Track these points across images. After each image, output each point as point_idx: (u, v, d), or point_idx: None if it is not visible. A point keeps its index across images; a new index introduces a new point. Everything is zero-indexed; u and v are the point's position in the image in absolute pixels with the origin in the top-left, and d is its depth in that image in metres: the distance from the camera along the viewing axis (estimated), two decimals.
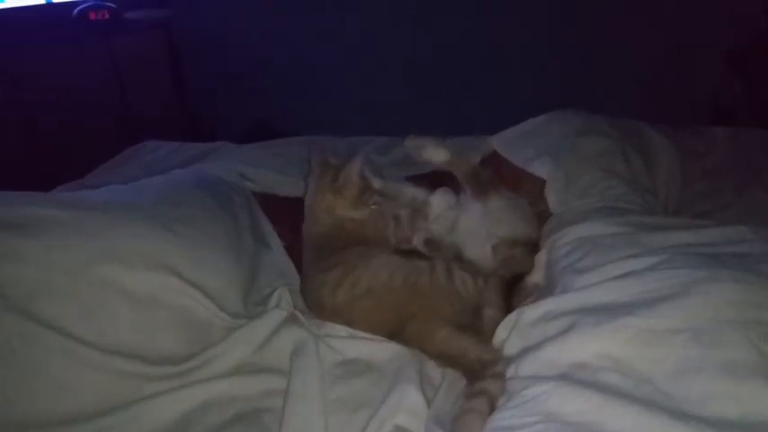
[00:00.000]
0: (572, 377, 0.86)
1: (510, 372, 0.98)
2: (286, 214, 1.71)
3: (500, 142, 1.78)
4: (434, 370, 1.15)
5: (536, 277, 1.30)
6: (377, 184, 1.50)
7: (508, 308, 1.21)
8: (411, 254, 1.36)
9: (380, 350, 1.19)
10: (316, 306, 1.32)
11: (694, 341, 0.83)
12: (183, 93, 3.19)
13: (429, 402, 1.04)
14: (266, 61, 3.19)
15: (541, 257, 1.31)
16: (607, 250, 1.11)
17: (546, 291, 1.22)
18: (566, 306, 1.01)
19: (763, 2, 2.61)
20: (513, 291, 1.27)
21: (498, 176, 1.64)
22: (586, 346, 0.90)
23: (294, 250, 1.57)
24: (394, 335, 1.20)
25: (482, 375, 1.02)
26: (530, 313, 1.07)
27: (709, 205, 1.59)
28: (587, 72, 2.87)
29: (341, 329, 1.24)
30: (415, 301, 1.22)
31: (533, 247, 1.39)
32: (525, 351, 0.99)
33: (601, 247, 1.14)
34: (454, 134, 2.13)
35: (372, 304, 1.23)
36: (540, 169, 1.57)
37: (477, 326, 1.22)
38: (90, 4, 2.76)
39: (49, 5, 2.90)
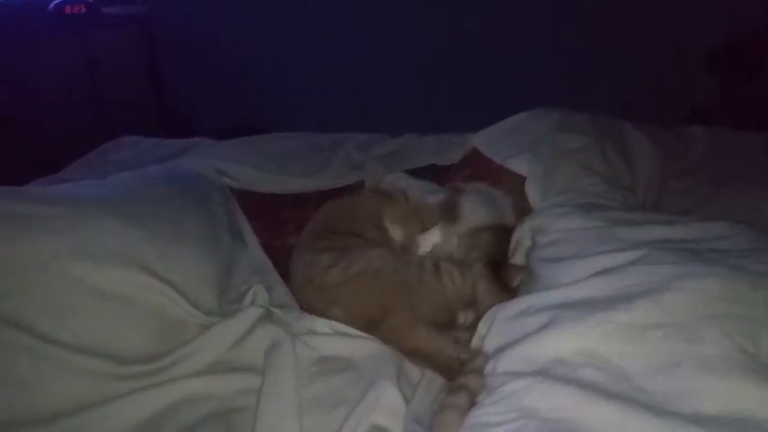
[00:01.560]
0: (550, 373, 0.85)
1: (488, 368, 0.97)
2: (263, 211, 1.69)
3: (481, 140, 1.78)
4: (413, 368, 1.13)
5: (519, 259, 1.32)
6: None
7: (503, 290, 1.23)
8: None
9: (359, 348, 1.17)
10: (302, 283, 1.31)
11: (672, 337, 0.83)
12: (160, 89, 3.15)
13: (407, 400, 1.02)
14: (247, 59, 3.16)
15: (525, 242, 1.31)
16: (587, 244, 1.11)
17: (525, 281, 1.22)
18: (546, 301, 1.00)
19: (762, 2, 2.63)
20: (501, 274, 1.28)
21: (479, 174, 1.64)
22: (565, 342, 0.89)
23: (271, 248, 1.55)
24: (372, 326, 1.19)
25: (462, 371, 1.00)
26: (509, 309, 1.06)
27: (688, 203, 1.60)
28: (587, 72, 2.89)
29: (322, 325, 1.22)
30: (398, 294, 1.20)
31: (500, 229, 1.40)
32: (504, 347, 0.98)
33: (581, 241, 1.13)
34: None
35: (359, 288, 1.22)
36: (520, 166, 1.56)
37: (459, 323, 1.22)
38: None
39: None
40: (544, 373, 0.86)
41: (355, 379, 1.09)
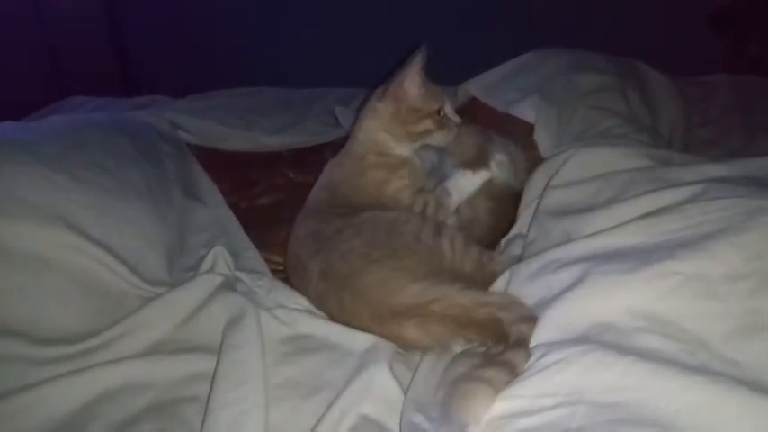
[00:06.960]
0: (595, 341, 0.64)
1: None
2: (228, 171, 1.48)
3: (478, 87, 1.56)
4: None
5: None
6: None
7: None
8: None
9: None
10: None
11: (763, 288, 0.61)
12: (119, 42, 2.86)
13: (403, 386, 0.80)
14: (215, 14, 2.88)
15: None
16: (622, 187, 0.89)
17: (539, 242, 1.00)
18: (576, 252, 0.78)
19: None
20: None
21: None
22: (611, 301, 0.67)
23: (238, 210, 1.33)
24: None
25: (504, 334, 0.76)
26: (527, 266, 0.85)
27: (719, 152, 1.41)
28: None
29: (293, 301, 0.99)
30: (390, 240, 0.97)
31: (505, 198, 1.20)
32: None
33: (612, 184, 0.91)
34: None
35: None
36: (527, 112, 1.35)
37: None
38: None
39: None
40: (586, 340, 0.64)
41: (337, 360, 0.87)
